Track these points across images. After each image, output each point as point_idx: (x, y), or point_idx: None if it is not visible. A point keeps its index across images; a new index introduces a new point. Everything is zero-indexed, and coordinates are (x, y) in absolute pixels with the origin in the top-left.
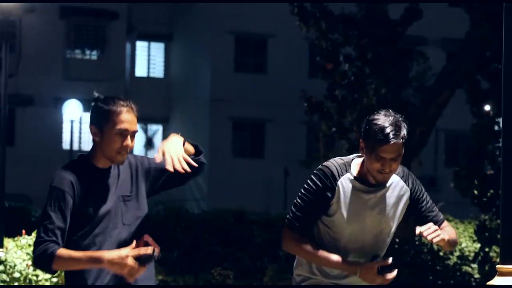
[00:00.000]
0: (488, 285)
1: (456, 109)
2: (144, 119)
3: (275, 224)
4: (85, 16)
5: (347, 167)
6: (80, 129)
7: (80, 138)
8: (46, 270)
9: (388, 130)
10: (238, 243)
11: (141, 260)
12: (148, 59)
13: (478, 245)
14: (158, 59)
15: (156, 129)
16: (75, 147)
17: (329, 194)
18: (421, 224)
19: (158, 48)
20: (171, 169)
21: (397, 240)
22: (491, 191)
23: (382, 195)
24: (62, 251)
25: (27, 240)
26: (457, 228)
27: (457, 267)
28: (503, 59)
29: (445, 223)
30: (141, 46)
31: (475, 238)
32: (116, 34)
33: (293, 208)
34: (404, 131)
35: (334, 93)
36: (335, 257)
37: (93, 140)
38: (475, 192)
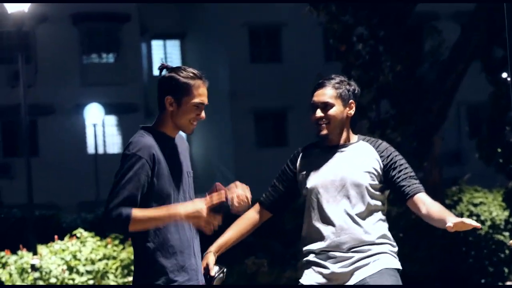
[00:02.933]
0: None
1: (476, 81)
2: None
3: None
4: (98, 21)
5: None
6: (104, 132)
7: (104, 141)
8: (122, 231)
9: (319, 81)
10: (270, 231)
11: (216, 209)
12: (165, 57)
13: (508, 213)
14: (175, 56)
15: None
16: (100, 150)
17: (291, 166)
18: (395, 193)
19: (173, 46)
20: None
21: None
22: None
23: (339, 153)
24: (137, 212)
25: (60, 246)
26: (486, 198)
27: (489, 236)
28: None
29: (425, 196)
30: (156, 45)
31: (505, 206)
32: (130, 36)
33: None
34: (336, 81)
35: (350, 74)
36: (211, 247)
37: (163, 109)
38: (500, 160)
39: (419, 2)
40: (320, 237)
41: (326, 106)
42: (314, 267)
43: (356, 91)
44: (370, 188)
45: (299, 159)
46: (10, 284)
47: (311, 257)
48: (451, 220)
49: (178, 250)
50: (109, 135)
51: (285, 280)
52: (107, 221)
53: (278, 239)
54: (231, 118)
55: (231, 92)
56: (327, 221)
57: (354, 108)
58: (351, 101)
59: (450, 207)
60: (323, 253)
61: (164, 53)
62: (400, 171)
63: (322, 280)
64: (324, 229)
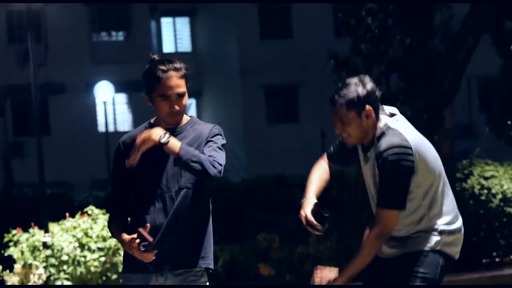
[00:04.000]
0: None
1: (487, 55)
2: None
3: None
4: None
5: None
6: (114, 110)
7: (114, 119)
8: None
9: (333, 93)
10: (282, 207)
11: (144, 247)
12: (175, 35)
13: None
14: (185, 33)
15: (190, 103)
16: (111, 128)
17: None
18: None
19: (183, 23)
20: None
21: None
22: None
23: (367, 156)
24: (112, 226)
25: (71, 223)
26: (497, 171)
27: (499, 209)
28: None
29: (376, 217)
30: (166, 23)
31: None
32: (139, 14)
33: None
34: (348, 92)
35: (359, 48)
36: (308, 193)
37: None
38: (510, 133)
39: None
40: None
41: (341, 121)
42: None
43: (371, 94)
44: None
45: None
46: (22, 261)
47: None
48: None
49: None
50: (119, 113)
51: (296, 256)
52: None
53: (290, 214)
54: (242, 95)
55: (241, 69)
56: None
57: (372, 113)
58: (367, 107)
59: (461, 180)
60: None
61: (174, 31)
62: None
63: None
64: None
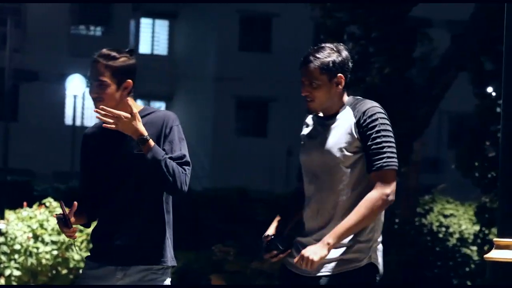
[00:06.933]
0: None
1: (460, 92)
2: (147, 96)
3: (278, 203)
4: None
5: None
6: (83, 104)
7: (82, 113)
8: None
9: (306, 54)
10: (241, 220)
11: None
12: (152, 36)
13: (478, 228)
14: (162, 36)
15: (160, 106)
16: (78, 122)
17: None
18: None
19: (162, 26)
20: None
21: (397, 220)
22: (493, 173)
23: (327, 126)
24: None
25: (28, 213)
26: (457, 210)
27: (456, 249)
28: (504, 40)
29: (377, 179)
30: (145, 23)
31: (474, 221)
32: (121, 11)
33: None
34: (323, 55)
35: None
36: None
37: None
38: (476, 174)
39: (420, 2)
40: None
41: (311, 83)
42: None
43: (346, 61)
44: (346, 162)
45: (304, 126)
46: None
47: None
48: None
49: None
50: (88, 108)
51: (250, 271)
52: None
53: (249, 228)
54: (213, 103)
55: (216, 77)
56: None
57: (343, 81)
58: (339, 75)
59: (421, 215)
60: None
61: (152, 32)
62: (372, 143)
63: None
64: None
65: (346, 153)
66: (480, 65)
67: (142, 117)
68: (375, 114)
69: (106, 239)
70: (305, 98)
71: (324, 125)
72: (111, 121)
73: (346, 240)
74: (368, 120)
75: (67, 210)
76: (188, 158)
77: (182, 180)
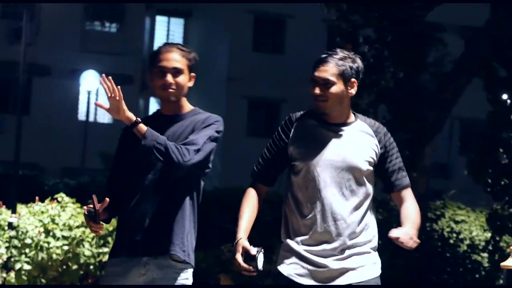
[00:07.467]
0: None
1: (472, 98)
2: None
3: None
4: None
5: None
6: (97, 100)
7: (96, 109)
8: None
9: (324, 54)
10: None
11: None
12: (167, 34)
13: (489, 235)
14: (177, 34)
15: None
16: (91, 118)
17: (283, 136)
18: (384, 183)
19: (177, 24)
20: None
21: None
22: (505, 180)
23: (340, 133)
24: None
25: (40, 207)
26: (469, 217)
27: (466, 255)
28: None
29: (408, 193)
30: (160, 21)
31: (486, 227)
32: (135, 9)
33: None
34: (340, 57)
35: None
36: (239, 234)
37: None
38: (489, 180)
39: (437, 4)
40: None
41: (326, 84)
42: None
43: (359, 69)
44: (367, 174)
45: (292, 130)
46: None
47: None
48: (396, 231)
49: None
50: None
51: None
52: None
53: (257, 229)
54: (225, 103)
55: (229, 77)
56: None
57: (355, 87)
58: (353, 80)
59: (432, 220)
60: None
61: (167, 30)
62: (394, 163)
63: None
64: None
65: (369, 166)
66: (494, 71)
67: (192, 115)
68: (387, 132)
69: (130, 233)
70: (314, 97)
71: (336, 131)
72: (110, 95)
73: (365, 248)
74: (390, 140)
75: (98, 205)
76: (198, 145)
77: (177, 153)
